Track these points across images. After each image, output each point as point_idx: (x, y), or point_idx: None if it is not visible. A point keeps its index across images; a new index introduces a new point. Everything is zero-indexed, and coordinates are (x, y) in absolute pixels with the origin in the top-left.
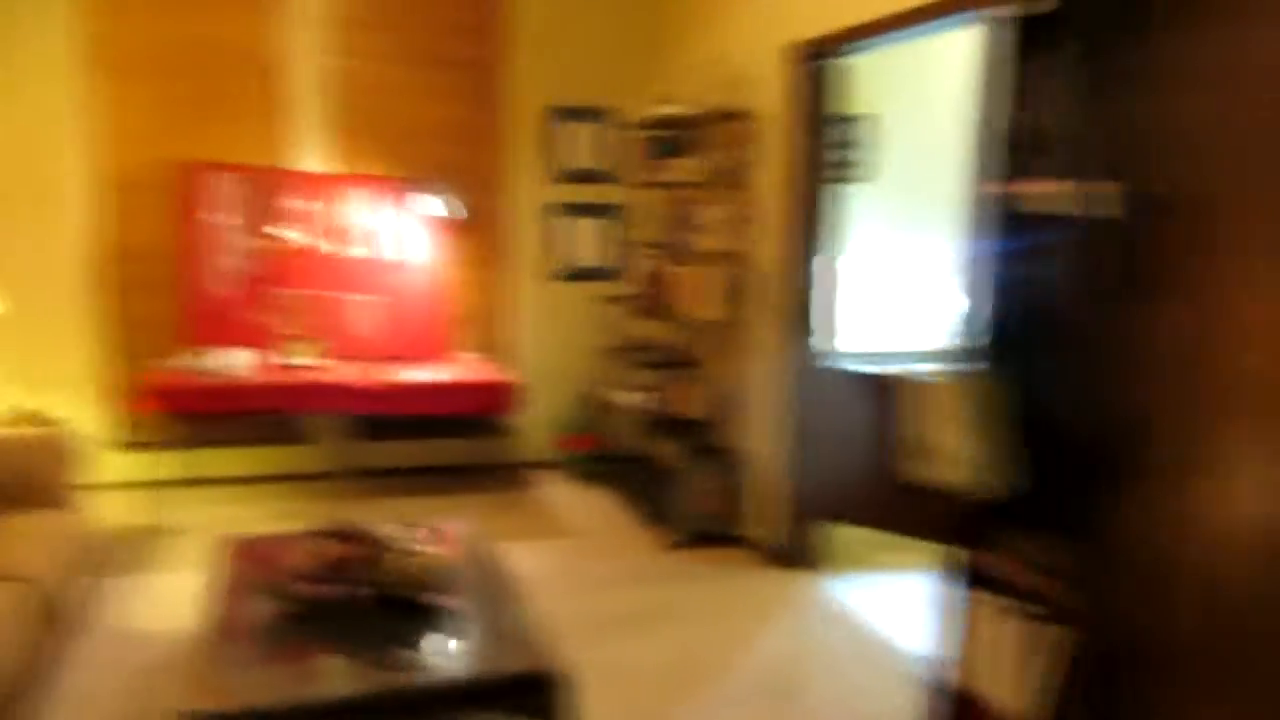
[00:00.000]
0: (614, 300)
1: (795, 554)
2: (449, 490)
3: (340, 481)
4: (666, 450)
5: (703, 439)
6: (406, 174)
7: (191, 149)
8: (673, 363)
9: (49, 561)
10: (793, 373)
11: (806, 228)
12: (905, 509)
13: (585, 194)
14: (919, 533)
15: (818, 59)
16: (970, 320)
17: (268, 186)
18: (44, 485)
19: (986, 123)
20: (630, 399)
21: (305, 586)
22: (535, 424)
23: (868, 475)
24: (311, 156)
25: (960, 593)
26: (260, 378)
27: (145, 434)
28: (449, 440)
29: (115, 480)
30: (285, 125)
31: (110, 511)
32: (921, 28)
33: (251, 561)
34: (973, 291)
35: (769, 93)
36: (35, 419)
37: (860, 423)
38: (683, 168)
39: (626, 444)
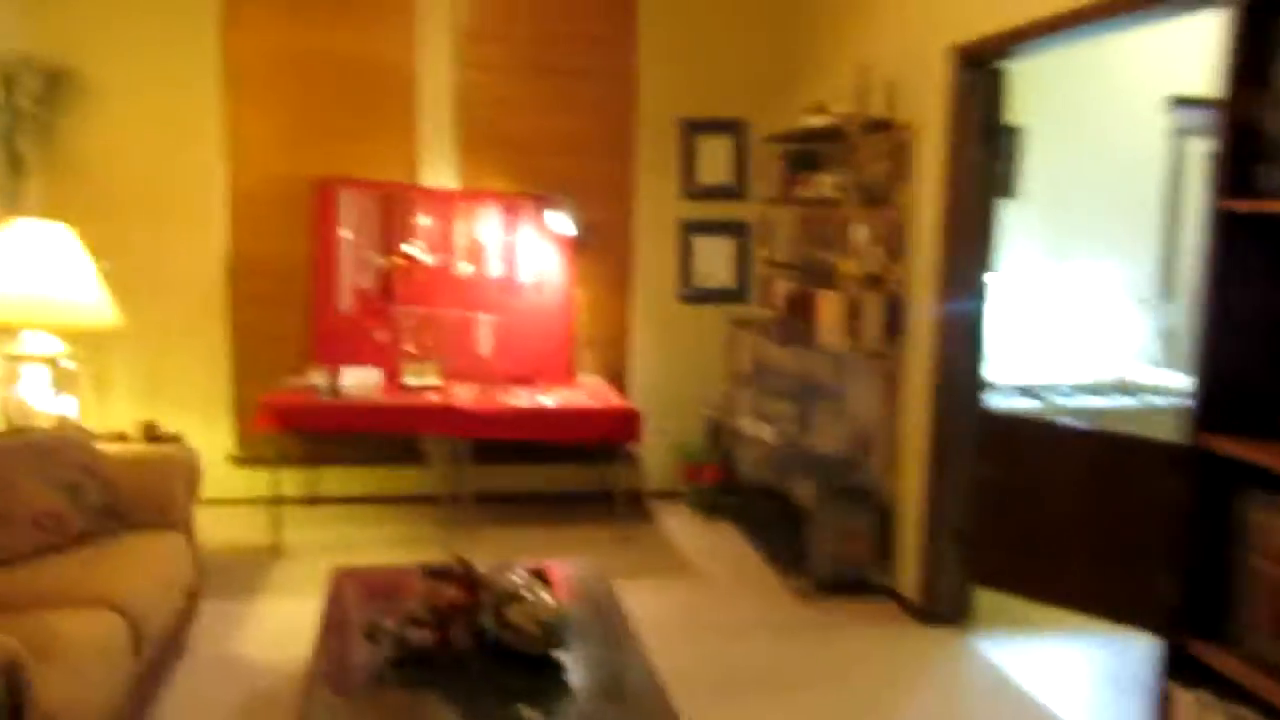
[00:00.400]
0: (745, 324)
1: (943, 608)
2: (566, 519)
3: (456, 505)
4: (801, 487)
5: (841, 477)
6: (532, 189)
7: (321, 164)
8: (809, 393)
9: (156, 587)
10: (947, 409)
11: (965, 248)
12: (1104, 586)
13: (716, 211)
14: (1124, 617)
15: (984, 62)
16: (1206, 363)
17: (395, 202)
18: (161, 505)
19: (1230, 128)
20: (761, 430)
21: (414, 632)
22: (658, 451)
23: (1053, 539)
24: (438, 171)
25: (1174, 688)
26: (379, 399)
27: (263, 450)
28: (567, 465)
29: (232, 496)
30: (414, 140)
31: (226, 529)
32: (1130, 18)
33: (361, 597)
34: (1209, 329)
35: (924, 100)
36: (157, 434)
37: (1040, 475)
38: (824, 183)
39: (756, 477)
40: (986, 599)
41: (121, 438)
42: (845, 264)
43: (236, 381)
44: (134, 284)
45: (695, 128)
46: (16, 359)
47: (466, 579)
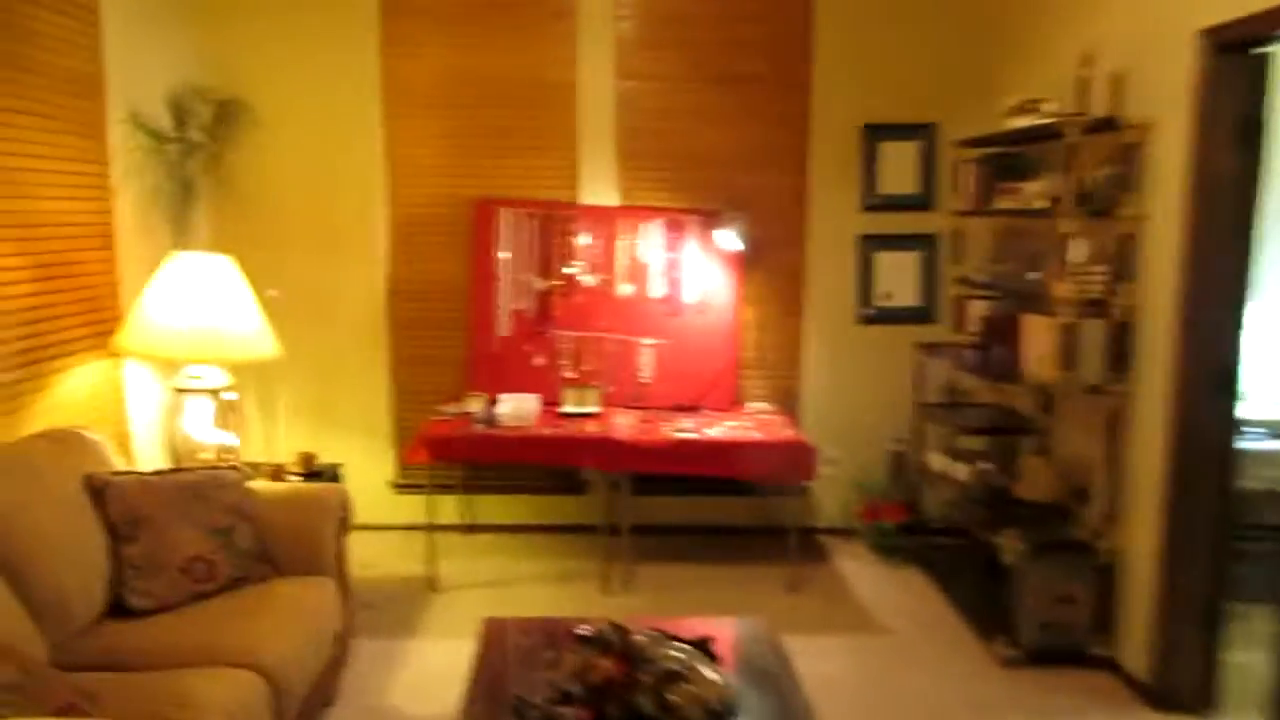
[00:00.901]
0: (933, 349)
1: (1181, 691)
2: (731, 556)
3: (615, 538)
4: (1001, 536)
5: (1051, 529)
6: (697, 204)
7: (480, 185)
8: (1011, 429)
9: (302, 641)
10: (1190, 457)
11: (1214, 265)
12: None
13: (900, 223)
14: None
15: (1242, 47)
16: None
17: (554, 221)
18: (312, 548)
19: None
20: (953, 468)
21: (565, 711)
22: (832, 484)
23: None
24: (599, 188)
25: None
26: (535, 430)
27: (423, 477)
28: (733, 498)
29: (392, 522)
30: (574, 156)
31: (385, 556)
32: None
33: (511, 656)
34: None
35: (1162, 94)
36: (315, 466)
37: None
38: (1031, 191)
39: (945, 519)
40: (1238, 681)
41: (279, 472)
42: (1058, 284)
43: (397, 407)
44: (298, 312)
45: (877, 133)
46: (181, 392)
47: (622, 650)
